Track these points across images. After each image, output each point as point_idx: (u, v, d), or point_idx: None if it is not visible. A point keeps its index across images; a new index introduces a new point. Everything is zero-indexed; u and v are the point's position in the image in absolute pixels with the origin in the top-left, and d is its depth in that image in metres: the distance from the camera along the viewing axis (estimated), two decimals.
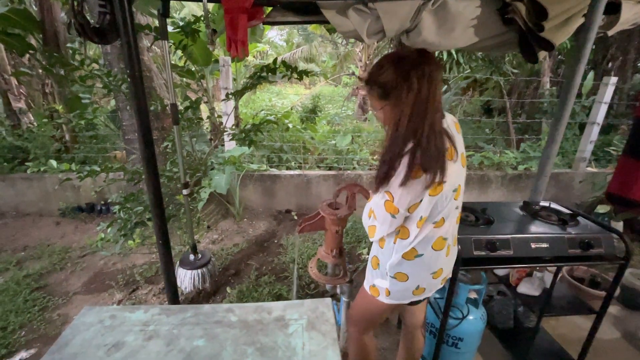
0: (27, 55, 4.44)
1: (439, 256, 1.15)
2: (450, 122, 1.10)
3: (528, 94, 6.25)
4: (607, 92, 3.78)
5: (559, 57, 6.54)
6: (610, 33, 1.59)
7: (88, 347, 0.96)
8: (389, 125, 1.06)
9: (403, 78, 0.97)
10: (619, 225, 3.23)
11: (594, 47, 6.14)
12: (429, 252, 1.13)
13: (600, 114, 3.87)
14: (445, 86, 6.28)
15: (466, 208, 1.61)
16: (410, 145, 0.97)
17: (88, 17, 1.40)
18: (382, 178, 1.04)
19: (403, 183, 0.99)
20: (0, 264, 2.75)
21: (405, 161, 0.97)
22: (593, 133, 3.95)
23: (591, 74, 4.72)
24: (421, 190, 1.01)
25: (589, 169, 4.12)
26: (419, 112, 0.97)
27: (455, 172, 1.06)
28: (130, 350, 0.95)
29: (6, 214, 3.66)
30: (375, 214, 1.12)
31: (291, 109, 7.31)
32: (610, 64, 6.37)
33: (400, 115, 0.99)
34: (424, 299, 1.27)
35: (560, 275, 1.82)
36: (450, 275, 1.30)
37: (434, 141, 0.97)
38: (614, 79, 3.75)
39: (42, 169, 1.93)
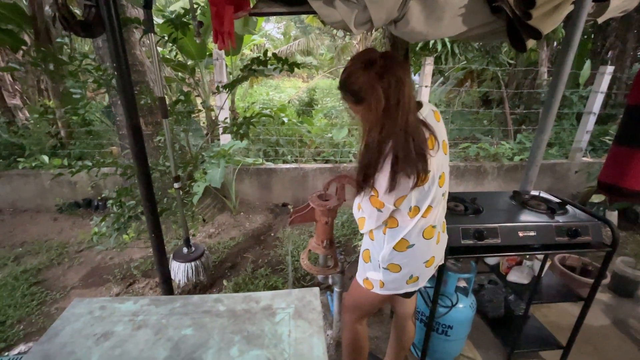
0: (21, 51, 4.42)
1: (430, 245, 1.16)
2: (428, 111, 1.10)
3: (526, 84, 6.22)
4: (604, 81, 3.76)
5: (557, 47, 6.48)
6: (600, 20, 1.58)
7: (77, 337, 0.97)
8: (364, 129, 1.06)
9: (371, 88, 0.98)
10: (613, 215, 3.24)
11: (592, 36, 6.10)
12: (420, 242, 1.14)
13: (596, 103, 3.86)
14: (442, 77, 6.25)
15: (456, 198, 1.62)
16: (389, 153, 0.99)
17: (76, 10, 1.39)
18: (362, 182, 1.08)
19: (391, 189, 1.02)
20: None
21: (387, 168, 1.00)
22: (589, 123, 3.94)
23: (588, 64, 4.69)
24: (406, 187, 1.04)
25: (585, 159, 4.12)
26: (389, 119, 0.98)
27: (438, 160, 1.08)
28: (119, 339, 0.97)
29: (3, 211, 3.68)
30: (362, 207, 1.15)
31: (288, 102, 7.28)
32: (609, 53, 6.32)
33: (373, 124, 1.00)
34: (417, 290, 1.29)
35: (550, 263, 1.84)
36: (442, 262, 1.31)
37: (412, 144, 0.98)
38: (610, 68, 3.73)
39: (34, 164, 1.93)
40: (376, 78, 0.97)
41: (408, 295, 1.29)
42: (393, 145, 0.99)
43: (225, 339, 0.98)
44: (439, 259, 1.26)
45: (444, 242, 1.27)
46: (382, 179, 1.03)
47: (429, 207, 1.11)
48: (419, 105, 1.11)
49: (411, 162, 0.99)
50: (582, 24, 1.48)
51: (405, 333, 1.49)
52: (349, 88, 1.04)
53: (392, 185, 1.01)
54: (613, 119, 5.27)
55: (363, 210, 1.16)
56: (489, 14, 1.45)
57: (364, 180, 1.07)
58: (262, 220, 3.58)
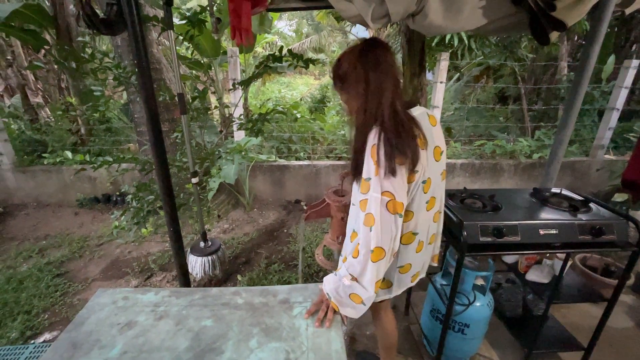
0: (43, 51, 4.57)
1: (406, 250, 1.13)
2: (420, 112, 1.07)
3: (545, 80, 6.04)
4: (628, 76, 3.62)
5: (579, 41, 6.27)
6: (628, 11, 1.52)
7: (102, 326, 1.01)
8: (351, 114, 1.07)
9: (353, 67, 1.00)
10: (637, 214, 3.13)
11: (616, 29, 5.87)
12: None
13: (620, 99, 3.72)
14: (458, 74, 6.14)
15: (474, 194, 1.59)
16: (378, 133, 0.95)
17: (96, 9, 1.43)
18: (356, 168, 1.04)
19: (392, 172, 0.92)
20: (24, 252, 2.89)
21: (382, 151, 0.93)
22: (612, 119, 3.81)
23: (612, 58, 4.51)
24: (406, 175, 0.97)
25: (607, 156, 3.98)
26: (372, 96, 0.98)
27: (426, 163, 1.03)
28: (141, 329, 1.00)
29: (28, 205, 3.82)
30: (376, 226, 0.94)
31: (300, 99, 7.29)
32: (633, 47, 6.07)
33: (358, 103, 1.01)
34: (392, 297, 1.24)
35: (571, 263, 1.79)
36: (423, 275, 1.28)
37: (400, 124, 0.96)
38: (635, 62, 3.59)
39: (58, 160, 2.00)
40: (357, 57, 1.00)
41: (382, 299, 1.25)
42: (381, 129, 0.95)
43: (244, 330, 0.99)
44: (418, 269, 1.22)
45: (426, 254, 1.22)
46: (382, 167, 0.93)
47: (411, 213, 1.07)
48: (411, 103, 1.08)
49: (402, 138, 0.94)
50: (609, 16, 1.43)
51: (378, 326, 1.42)
52: (336, 73, 1.07)
53: (390, 165, 0.92)
54: (637, 115, 5.07)
55: (367, 227, 0.96)
56: (510, 6, 1.42)
57: (357, 166, 1.04)
58: (275, 216, 3.61)
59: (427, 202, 1.10)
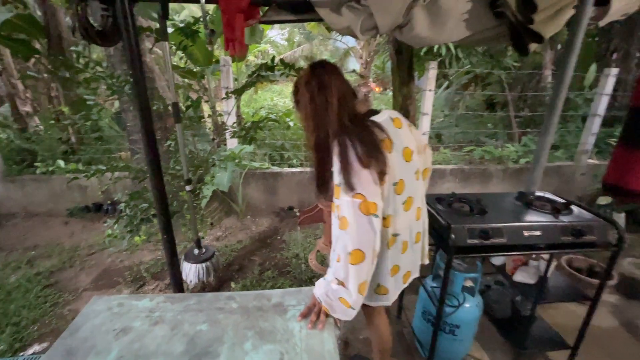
0: (33, 60, 4.54)
1: (392, 252, 1.16)
2: (385, 118, 1.13)
3: (530, 87, 6.22)
4: (608, 83, 3.78)
5: (562, 50, 6.49)
6: (601, 24, 1.61)
7: (98, 332, 1.01)
8: (310, 134, 1.12)
9: (302, 94, 1.11)
10: (620, 217, 3.23)
11: (596, 39, 6.11)
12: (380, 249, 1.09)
13: (601, 105, 3.87)
14: (447, 82, 6.29)
15: (461, 199, 1.64)
16: (339, 139, 1.01)
17: (91, 21, 1.45)
18: (321, 182, 1.13)
19: (362, 167, 0.96)
20: (12, 263, 2.84)
21: (352, 154, 0.98)
22: (595, 125, 3.95)
23: (594, 66, 4.69)
24: (375, 177, 0.99)
25: (591, 161, 4.11)
26: (322, 121, 1.05)
27: (395, 164, 1.08)
28: (137, 334, 1.01)
29: (16, 215, 3.76)
30: (351, 228, 0.96)
31: (293, 107, 7.35)
32: (614, 56, 6.30)
33: (310, 128, 1.09)
34: (390, 303, 1.25)
35: (556, 264, 1.85)
36: (416, 275, 1.32)
37: (360, 134, 1.01)
38: (614, 70, 3.74)
39: (50, 169, 2.00)
40: (304, 82, 1.10)
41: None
42: (340, 137, 1.01)
43: (239, 334, 1.01)
44: (408, 269, 1.25)
45: (414, 253, 1.25)
46: (353, 169, 0.97)
47: (387, 216, 1.10)
48: (373, 112, 1.14)
49: (366, 145, 0.98)
50: (584, 28, 1.51)
51: (373, 331, 1.46)
52: (293, 99, 1.19)
53: (359, 163, 0.96)
54: (619, 121, 5.26)
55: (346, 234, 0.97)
56: (492, 19, 1.49)
57: (320, 182, 1.13)
58: (269, 223, 3.62)
59: (403, 203, 1.14)
